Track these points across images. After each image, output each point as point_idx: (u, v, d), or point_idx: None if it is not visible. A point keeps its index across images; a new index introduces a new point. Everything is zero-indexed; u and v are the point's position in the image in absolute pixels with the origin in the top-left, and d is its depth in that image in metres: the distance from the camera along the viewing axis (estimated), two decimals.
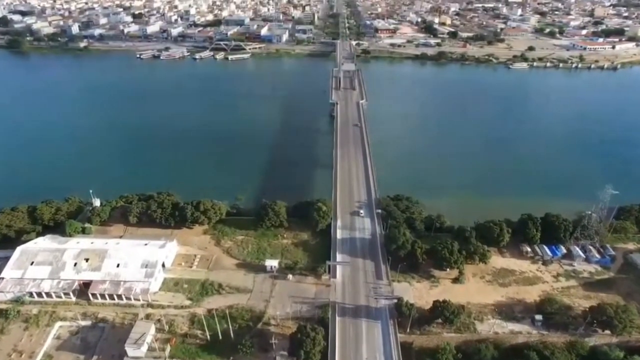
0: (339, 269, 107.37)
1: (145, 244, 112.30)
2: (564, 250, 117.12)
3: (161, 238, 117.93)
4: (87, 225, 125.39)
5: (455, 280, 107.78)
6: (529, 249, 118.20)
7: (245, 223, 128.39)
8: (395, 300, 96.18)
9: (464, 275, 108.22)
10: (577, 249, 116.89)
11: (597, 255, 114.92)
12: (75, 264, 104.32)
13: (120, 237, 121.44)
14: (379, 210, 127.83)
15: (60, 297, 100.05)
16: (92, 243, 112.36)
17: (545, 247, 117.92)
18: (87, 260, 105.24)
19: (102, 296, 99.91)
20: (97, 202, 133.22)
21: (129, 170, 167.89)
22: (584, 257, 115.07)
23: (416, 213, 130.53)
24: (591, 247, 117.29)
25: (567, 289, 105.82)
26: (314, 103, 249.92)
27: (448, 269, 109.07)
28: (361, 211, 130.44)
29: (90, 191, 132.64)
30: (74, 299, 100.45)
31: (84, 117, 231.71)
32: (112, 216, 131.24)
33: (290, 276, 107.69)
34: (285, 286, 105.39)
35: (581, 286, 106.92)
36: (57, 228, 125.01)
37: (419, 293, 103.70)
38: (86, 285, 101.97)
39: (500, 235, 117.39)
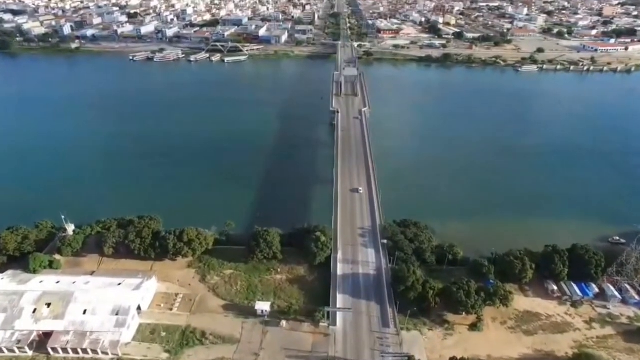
0: (339, 314, 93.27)
1: (119, 284, 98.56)
2: (596, 289, 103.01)
3: (139, 274, 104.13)
4: (55, 257, 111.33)
5: (473, 327, 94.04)
6: (555, 287, 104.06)
7: (235, 254, 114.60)
8: (406, 359, 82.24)
9: (483, 321, 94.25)
10: (611, 287, 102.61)
11: (636, 297, 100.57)
12: (35, 310, 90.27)
13: (93, 272, 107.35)
14: (385, 241, 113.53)
15: (14, 351, 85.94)
16: (57, 282, 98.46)
17: (574, 284, 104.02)
18: (48, 305, 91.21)
19: (64, 350, 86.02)
20: (71, 228, 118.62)
21: (109, 190, 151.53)
22: (620, 297, 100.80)
23: (426, 242, 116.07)
24: (627, 286, 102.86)
25: (603, 339, 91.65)
26: (313, 110, 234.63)
27: (464, 313, 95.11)
28: (365, 240, 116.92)
29: (63, 217, 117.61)
30: (30, 353, 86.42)
31: (61, 127, 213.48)
32: (86, 244, 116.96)
33: (283, 322, 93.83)
34: (277, 335, 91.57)
35: (620, 335, 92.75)
36: (24, 259, 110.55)
37: (431, 344, 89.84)
38: (46, 336, 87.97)
39: (523, 271, 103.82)
